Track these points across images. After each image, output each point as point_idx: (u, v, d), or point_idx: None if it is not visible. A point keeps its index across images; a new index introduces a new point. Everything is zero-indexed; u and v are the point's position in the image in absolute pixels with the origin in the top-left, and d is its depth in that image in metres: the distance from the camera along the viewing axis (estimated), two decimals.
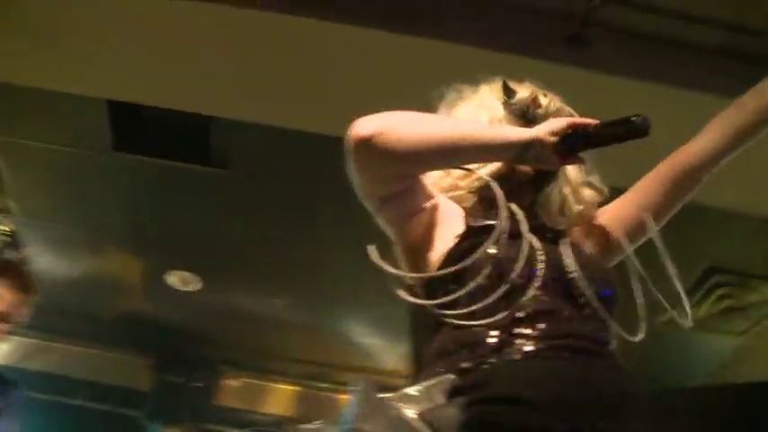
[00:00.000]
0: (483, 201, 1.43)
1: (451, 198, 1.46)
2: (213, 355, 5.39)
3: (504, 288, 1.19)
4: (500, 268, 1.22)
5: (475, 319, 1.19)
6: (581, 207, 1.50)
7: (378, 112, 1.30)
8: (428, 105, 1.49)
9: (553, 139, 1.28)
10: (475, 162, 1.41)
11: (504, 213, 1.22)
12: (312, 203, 3.95)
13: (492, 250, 1.22)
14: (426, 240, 1.39)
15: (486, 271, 1.21)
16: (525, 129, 1.35)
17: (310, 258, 4.37)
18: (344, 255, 4.28)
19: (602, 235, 1.49)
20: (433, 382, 1.14)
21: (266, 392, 5.56)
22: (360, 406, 1.02)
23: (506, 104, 1.49)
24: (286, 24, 2.77)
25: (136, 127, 3.59)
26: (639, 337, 1.26)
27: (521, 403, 1.09)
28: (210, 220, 4.25)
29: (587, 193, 1.52)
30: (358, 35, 2.77)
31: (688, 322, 1.28)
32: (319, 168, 3.77)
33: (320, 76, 2.93)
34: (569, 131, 1.28)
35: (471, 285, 1.20)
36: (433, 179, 1.47)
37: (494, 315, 1.18)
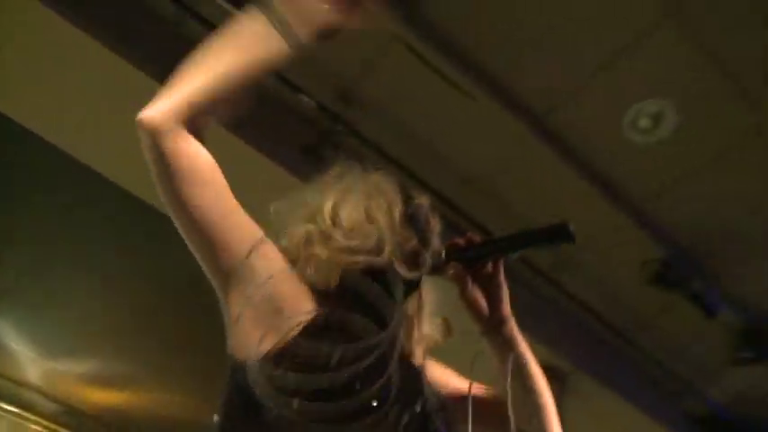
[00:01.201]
0: (347, 287, 1.19)
1: (316, 272, 1.19)
2: None
3: (356, 399, 1.03)
4: (359, 379, 1.05)
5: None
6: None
7: None
8: None
9: None
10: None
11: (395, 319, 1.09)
12: None
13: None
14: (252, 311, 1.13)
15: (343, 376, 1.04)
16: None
17: None
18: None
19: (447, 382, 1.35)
20: None
21: None
22: None
23: (407, 203, 1.30)
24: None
25: None
26: None
27: None
28: None
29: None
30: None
31: None
32: None
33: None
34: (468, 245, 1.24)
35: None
36: (298, 243, 1.21)
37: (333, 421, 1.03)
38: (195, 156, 1.11)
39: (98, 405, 5.20)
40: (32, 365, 4.89)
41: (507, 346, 1.29)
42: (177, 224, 1.14)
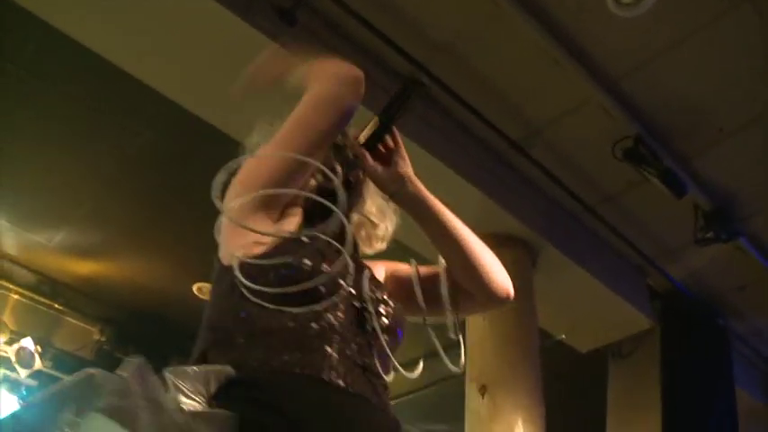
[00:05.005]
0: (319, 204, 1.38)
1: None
2: None
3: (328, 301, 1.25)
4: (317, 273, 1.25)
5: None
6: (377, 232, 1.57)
7: None
8: None
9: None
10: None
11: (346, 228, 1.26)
12: None
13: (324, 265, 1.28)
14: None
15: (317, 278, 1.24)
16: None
17: None
18: None
19: (397, 281, 1.54)
20: (214, 367, 1.16)
21: None
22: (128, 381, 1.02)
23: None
24: None
25: None
26: (416, 373, 1.39)
27: (290, 419, 1.12)
28: None
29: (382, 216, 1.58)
30: None
31: (459, 369, 1.38)
32: None
33: None
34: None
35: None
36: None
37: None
38: None
39: (75, 275, 5.25)
40: (7, 236, 4.90)
41: (415, 202, 1.48)
42: None
